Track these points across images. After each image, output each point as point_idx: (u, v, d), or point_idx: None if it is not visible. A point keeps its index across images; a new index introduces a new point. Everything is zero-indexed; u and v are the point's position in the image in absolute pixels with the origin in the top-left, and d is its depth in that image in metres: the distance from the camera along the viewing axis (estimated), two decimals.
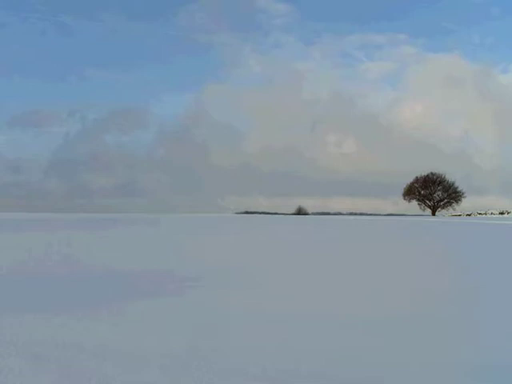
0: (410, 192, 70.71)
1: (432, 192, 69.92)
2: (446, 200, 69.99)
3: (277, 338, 2.81)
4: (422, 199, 70.58)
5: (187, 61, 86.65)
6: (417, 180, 70.59)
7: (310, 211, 72.27)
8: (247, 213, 66.99)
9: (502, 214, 58.80)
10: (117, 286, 4.71)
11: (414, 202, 71.24)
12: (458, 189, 69.10)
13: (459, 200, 69.12)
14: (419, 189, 70.25)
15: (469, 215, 61.95)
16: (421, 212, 70.72)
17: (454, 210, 69.33)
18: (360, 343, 2.75)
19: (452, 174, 70.77)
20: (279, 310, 3.60)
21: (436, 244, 10.95)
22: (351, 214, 67.59)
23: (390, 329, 3.01)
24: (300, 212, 70.60)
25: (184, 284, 4.74)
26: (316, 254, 8.11)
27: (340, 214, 69.83)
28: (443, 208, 70.45)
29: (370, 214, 62.82)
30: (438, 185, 69.75)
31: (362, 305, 3.83)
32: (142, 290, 4.43)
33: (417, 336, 2.85)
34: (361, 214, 63.57)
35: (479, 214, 61.92)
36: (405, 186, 71.42)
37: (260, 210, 69.98)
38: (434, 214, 69.28)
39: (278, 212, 69.07)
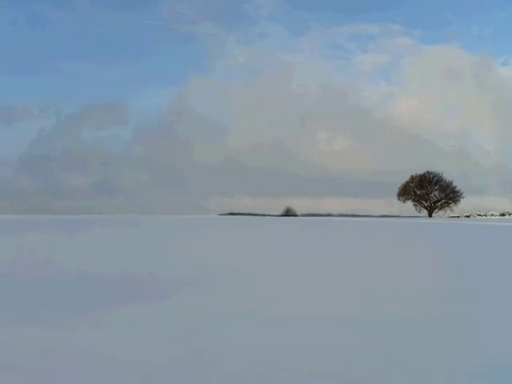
0: (405, 192, 70.61)
1: (428, 192, 69.96)
2: (443, 200, 70.27)
3: (267, 343, 2.92)
4: (418, 200, 70.73)
5: (169, 52, 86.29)
6: (412, 179, 70.68)
7: (298, 212, 72.06)
8: (232, 214, 66.44)
9: (502, 215, 58.56)
10: (95, 291, 4.79)
11: (410, 203, 71.90)
12: (456, 188, 69.98)
13: (457, 200, 69.66)
14: (415, 189, 70.41)
15: (468, 217, 61.91)
16: (416, 213, 71.25)
17: (451, 211, 69.91)
18: (357, 345, 2.84)
19: (450, 173, 71.28)
20: (269, 312, 3.75)
21: (429, 249, 10.58)
22: (342, 215, 66.87)
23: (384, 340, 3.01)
24: (288, 213, 70.38)
25: (167, 288, 4.91)
26: (301, 257, 8.31)
27: (330, 215, 69.21)
28: (440, 209, 70.75)
29: (363, 216, 62.30)
30: (435, 184, 69.80)
31: (353, 307, 3.93)
32: (122, 295, 4.54)
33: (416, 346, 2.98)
34: (352, 216, 62.92)
35: (479, 215, 61.87)
36: (399, 185, 71.27)
37: (245, 212, 69.66)
38: (430, 215, 69.03)
39: (265, 213, 68.82)
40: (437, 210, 70.54)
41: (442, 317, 3.64)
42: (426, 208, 70.83)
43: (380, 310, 3.88)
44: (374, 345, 2.93)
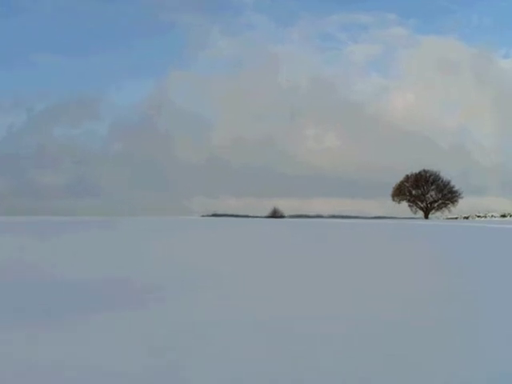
0: (400, 192, 70.20)
1: (424, 192, 69.53)
2: (440, 201, 69.71)
3: (248, 352, 2.96)
4: (414, 200, 70.23)
5: (148, 43, 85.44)
6: (407, 178, 70.08)
7: (286, 214, 71.72)
8: (215, 215, 66.06)
9: (503, 216, 58.51)
10: (67, 298, 4.77)
11: (405, 204, 71.02)
12: (454, 188, 68.93)
13: (455, 201, 69.00)
14: (410, 188, 69.78)
15: (466, 218, 61.87)
16: (412, 215, 70.57)
17: (449, 212, 69.27)
18: (349, 360, 2.89)
19: (447, 172, 70.58)
20: (252, 321, 3.74)
21: (421, 255, 10.41)
22: (333, 216, 66.70)
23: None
24: (275, 214, 70.00)
25: (144, 294, 4.92)
26: (287, 261, 8.33)
27: (320, 216, 69.03)
28: (437, 210, 70.29)
29: (355, 217, 61.86)
30: (432, 184, 69.39)
31: (338, 316, 3.95)
32: (97, 303, 4.54)
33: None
34: (344, 217, 62.52)
35: (478, 216, 61.84)
36: (394, 185, 71.13)
37: (230, 213, 69.08)
38: (426, 216, 68.82)
39: (251, 214, 68.31)
40: (433, 211, 69.65)
41: (429, 332, 3.53)
42: (421, 209, 70.15)
43: (366, 322, 3.78)
44: (366, 361, 2.87)
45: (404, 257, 9.71)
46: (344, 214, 70.09)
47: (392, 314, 4.14)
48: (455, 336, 3.47)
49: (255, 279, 6.13)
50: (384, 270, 7.16)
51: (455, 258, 9.57)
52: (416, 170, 69.91)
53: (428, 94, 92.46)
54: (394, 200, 70.65)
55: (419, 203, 70.13)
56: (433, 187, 69.39)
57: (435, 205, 69.84)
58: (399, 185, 70.41)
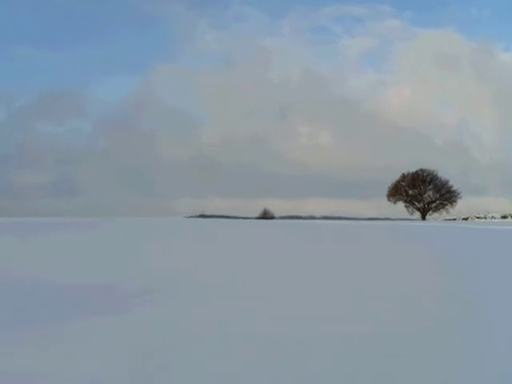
0: (396, 192, 69.85)
1: (422, 192, 69.23)
2: (438, 201, 69.31)
3: (235, 361, 2.98)
4: (410, 201, 69.86)
5: (133, 36, 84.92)
6: (404, 178, 69.73)
7: (277, 215, 71.41)
8: (203, 216, 65.66)
9: (504, 217, 58.46)
10: (45, 303, 4.78)
11: (401, 204, 70.67)
12: (453, 188, 68.23)
13: (454, 201, 68.52)
14: (406, 188, 69.39)
15: (465, 219, 61.71)
16: (408, 216, 70.20)
17: (447, 213, 68.76)
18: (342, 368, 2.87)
19: (445, 170, 70.16)
20: (235, 328, 3.80)
21: (415, 260, 10.37)
22: (326, 217, 66.60)
23: None
24: (265, 216, 69.58)
25: (125, 300, 4.99)
26: (276, 265, 8.45)
27: (313, 218, 68.92)
28: (435, 211, 69.86)
29: (349, 219, 61.69)
30: (429, 183, 69.08)
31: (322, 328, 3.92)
32: (74, 308, 4.54)
33: None
34: (338, 218, 62.40)
35: (478, 217, 61.72)
36: (390, 184, 70.98)
37: (218, 214, 68.56)
38: (424, 217, 68.58)
39: (240, 216, 67.82)
40: (431, 211, 68.96)
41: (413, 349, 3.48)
42: (418, 210, 69.71)
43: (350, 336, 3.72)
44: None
45: (396, 262, 9.51)
46: (337, 214, 69.89)
47: (371, 329, 3.98)
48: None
49: (243, 285, 6.07)
50: (372, 278, 7.02)
51: (452, 264, 9.32)
52: (413, 168, 69.49)
53: (425, 89, 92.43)
54: (389, 200, 70.44)
55: (416, 204, 69.93)
56: (430, 187, 69.21)
57: (433, 205, 69.62)
58: (395, 184, 70.15)
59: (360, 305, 4.85)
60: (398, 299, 5.14)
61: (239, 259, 9.64)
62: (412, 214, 70.35)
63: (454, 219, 63.54)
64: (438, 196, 69.27)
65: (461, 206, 68.65)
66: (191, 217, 64.32)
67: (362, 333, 3.66)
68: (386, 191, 70.95)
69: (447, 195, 68.86)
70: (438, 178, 69.03)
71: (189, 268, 7.89)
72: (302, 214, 73.32)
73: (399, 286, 6.13)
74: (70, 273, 7.20)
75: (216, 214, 68.80)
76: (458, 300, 5.24)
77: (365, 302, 4.95)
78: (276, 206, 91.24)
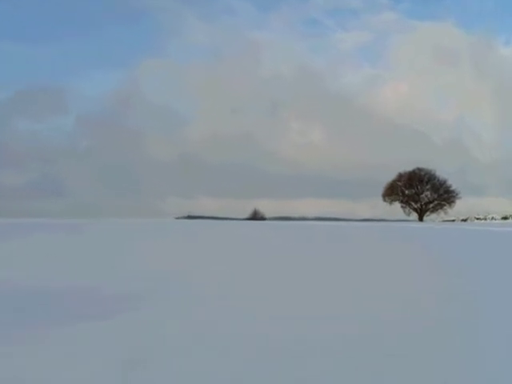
0: (392, 192, 70.36)
1: (419, 192, 69.73)
2: (435, 202, 69.88)
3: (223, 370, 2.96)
4: (407, 201, 70.45)
5: (117, 30, 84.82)
6: (400, 177, 70.29)
7: (268, 215, 71.56)
8: (191, 217, 65.65)
9: (505, 218, 58.91)
10: (27, 308, 4.73)
11: (397, 205, 71.05)
12: (451, 188, 69.19)
13: (452, 202, 69.18)
14: (403, 188, 69.96)
15: (464, 220, 62.18)
16: (405, 217, 70.54)
17: (445, 213, 69.48)
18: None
19: (444, 169, 70.94)
20: (225, 335, 3.74)
21: (409, 265, 10.02)
22: (319, 219, 66.75)
23: None
24: (256, 216, 69.81)
25: (110, 305, 4.92)
26: (264, 269, 8.36)
27: (305, 219, 69.10)
28: (433, 212, 70.45)
29: (342, 219, 61.80)
30: (426, 183, 69.60)
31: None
32: (58, 314, 4.49)
33: None
34: (331, 220, 62.54)
35: (477, 218, 62.18)
36: (385, 184, 71.24)
37: (207, 215, 68.68)
38: (421, 219, 68.83)
39: (229, 217, 67.85)
40: (428, 212, 69.85)
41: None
42: (415, 210, 70.28)
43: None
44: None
45: (387, 271, 8.93)
46: (331, 215, 70.42)
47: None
48: None
49: (235, 288, 6.15)
50: (364, 282, 7.02)
51: (449, 271, 8.95)
52: (409, 167, 70.32)
53: (422, 85, 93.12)
54: (385, 200, 70.86)
55: (413, 204, 70.31)
56: (428, 186, 69.70)
57: (430, 206, 70.04)
58: (391, 184, 70.60)
59: (357, 306, 5.00)
60: (389, 305, 5.21)
61: (229, 263, 9.57)
62: (409, 214, 70.82)
63: (453, 220, 63.78)
64: (435, 196, 69.69)
65: (460, 207, 69.09)
66: (178, 218, 64.28)
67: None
68: (381, 191, 71.33)
69: (445, 195, 69.26)
70: (435, 177, 69.59)
71: (177, 272, 7.81)
72: (294, 215, 73.81)
73: (387, 291, 6.15)
74: (51, 276, 7.13)
75: (204, 214, 68.94)
76: (451, 316, 5.06)
77: (360, 304, 5.09)
78: (266, 207, 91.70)
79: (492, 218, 60.49)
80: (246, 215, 70.98)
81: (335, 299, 5.46)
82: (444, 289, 6.77)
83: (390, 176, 71.38)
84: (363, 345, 3.47)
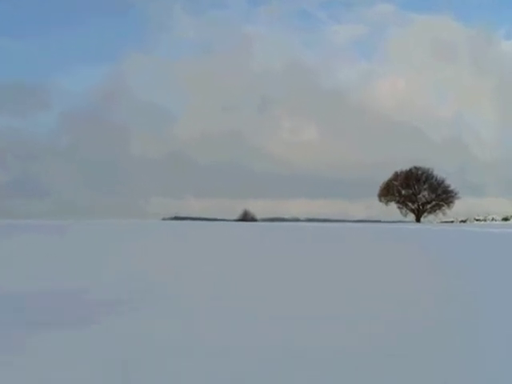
0: (388, 192, 70.08)
1: (416, 192, 69.48)
2: (433, 202, 69.56)
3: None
4: (404, 201, 70.12)
5: (102, 23, 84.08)
6: (396, 176, 70.01)
7: (258, 216, 71.44)
8: (177, 218, 65.42)
9: (506, 219, 59.07)
10: (6, 314, 4.76)
11: (394, 205, 71.00)
12: (450, 187, 68.73)
13: (451, 202, 68.81)
14: (399, 188, 69.58)
15: (463, 221, 62.30)
16: (402, 217, 70.43)
17: (444, 214, 69.10)
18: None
19: (442, 168, 70.27)
20: (212, 341, 3.78)
21: (404, 270, 9.90)
22: (311, 220, 66.71)
23: None
24: (246, 218, 69.64)
25: (92, 311, 4.93)
26: (254, 274, 8.45)
27: (297, 220, 69.09)
28: (430, 212, 70.17)
29: (336, 221, 61.81)
30: (424, 183, 69.33)
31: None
32: (39, 320, 4.49)
33: None
34: (324, 221, 62.50)
35: (477, 219, 62.30)
36: (381, 184, 71.23)
37: (194, 216, 68.29)
38: (418, 220, 68.70)
39: (218, 218, 67.70)
40: (426, 213, 69.43)
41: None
42: (412, 211, 69.89)
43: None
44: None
45: (384, 273, 9.10)
46: (324, 216, 70.17)
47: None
48: None
49: (227, 291, 6.25)
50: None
51: (447, 275, 8.95)
52: (406, 166, 69.90)
53: (420, 80, 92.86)
54: (381, 201, 70.58)
55: (410, 204, 70.12)
56: (425, 186, 69.53)
57: (428, 206, 69.85)
58: (387, 183, 70.40)
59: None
60: (388, 306, 5.38)
61: (219, 265, 9.70)
62: (406, 215, 70.62)
63: (452, 221, 63.89)
64: (433, 196, 69.51)
65: (458, 207, 68.90)
66: (164, 219, 64.14)
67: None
68: (377, 191, 71.31)
69: (444, 195, 69.14)
70: (433, 176, 69.38)
71: (162, 277, 7.89)
72: (286, 216, 73.52)
73: (378, 293, 6.28)
74: (30, 279, 7.16)
75: (192, 215, 68.52)
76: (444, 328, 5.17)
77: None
78: (257, 207, 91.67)
79: (492, 219, 60.54)
80: (236, 216, 70.73)
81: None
82: (443, 290, 6.91)
83: (386, 175, 71.08)
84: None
